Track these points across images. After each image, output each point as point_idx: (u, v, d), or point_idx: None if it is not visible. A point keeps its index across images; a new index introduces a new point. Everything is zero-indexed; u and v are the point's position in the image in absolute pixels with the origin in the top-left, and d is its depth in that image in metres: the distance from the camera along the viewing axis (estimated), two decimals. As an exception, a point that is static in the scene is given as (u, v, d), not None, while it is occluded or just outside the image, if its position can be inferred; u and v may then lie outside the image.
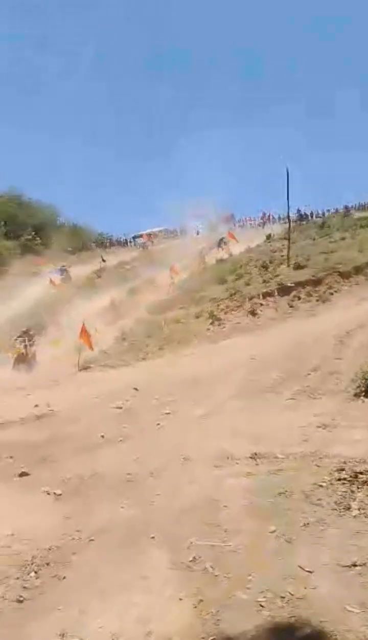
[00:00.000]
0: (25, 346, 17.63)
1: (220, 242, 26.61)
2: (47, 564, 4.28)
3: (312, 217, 32.07)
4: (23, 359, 17.30)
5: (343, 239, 18.77)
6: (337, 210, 31.98)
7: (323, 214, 29.57)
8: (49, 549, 4.50)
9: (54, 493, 5.80)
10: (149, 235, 40.42)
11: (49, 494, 5.80)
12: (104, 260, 31.73)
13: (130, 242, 43.16)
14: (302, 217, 30.95)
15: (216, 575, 3.79)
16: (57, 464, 6.78)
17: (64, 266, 30.58)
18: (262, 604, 3.35)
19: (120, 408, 9.33)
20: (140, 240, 40.66)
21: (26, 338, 18.08)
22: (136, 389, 10.41)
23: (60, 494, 5.78)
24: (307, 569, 3.64)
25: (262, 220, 36.36)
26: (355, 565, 3.60)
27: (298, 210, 31.25)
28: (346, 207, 30.66)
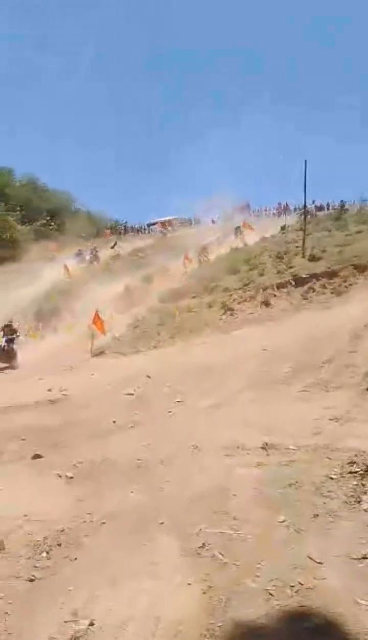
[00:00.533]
0: (8, 340, 16.23)
1: (236, 231, 26.45)
2: (59, 545, 4.35)
3: (328, 208, 31.71)
4: (3, 356, 16.08)
5: (359, 232, 18.51)
6: (353, 203, 31.58)
7: (342, 207, 29.16)
8: (61, 531, 4.56)
9: (66, 476, 5.88)
10: (164, 223, 40.27)
11: (61, 476, 5.88)
12: (114, 247, 31.75)
13: (145, 229, 43.10)
14: (318, 208, 30.60)
15: (225, 563, 3.81)
16: (70, 448, 6.86)
17: (95, 247, 31.01)
18: (271, 592, 3.38)
19: (132, 395, 9.39)
20: (155, 228, 40.58)
21: (8, 332, 16.65)
22: (148, 376, 10.46)
23: (72, 477, 5.86)
24: (317, 560, 3.65)
25: (277, 211, 36.05)
26: (365, 558, 3.60)
27: (313, 202, 30.91)
28: (363, 201, 30.24)
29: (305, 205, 22.08)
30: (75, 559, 4.16)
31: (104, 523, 4.68)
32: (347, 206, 28.26)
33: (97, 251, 30.51)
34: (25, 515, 4.83)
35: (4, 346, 16.08)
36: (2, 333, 16.50)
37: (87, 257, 30.15)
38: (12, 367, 15.63)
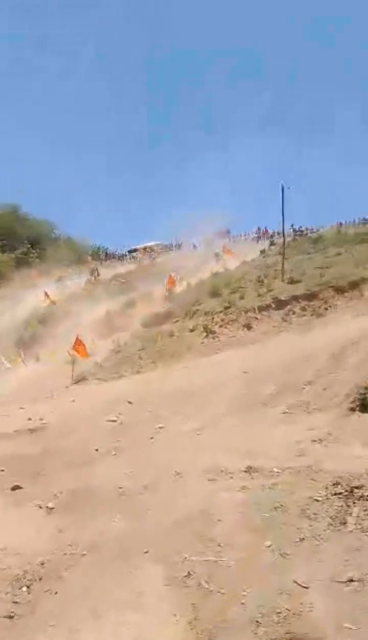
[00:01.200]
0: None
1: (217, 256, 26.74)
2: (39, 579, 4.21)
3: (306, 232, 32.33)
4: None
5: (338, 254, 18.87)
6: (331, 227, 32.31)
7: (317, 230, 29.81)
8: (41, 564, 4.43)
9: (47, 507, 5.73)
10: (145, 249, 40.54)
11: (41, 507, 5.73)
12: (97, 274, 32.08)
13: (126, 255, 43.27)
14: (296, 232, 31.17)
15: (211, 591, 3.73)
16: (50, 478, 6.70)
17: (96, 269, 32.37)
18: (258, 620, 3.31)
19: (114, 421, 9.26)
20: (136, 254, 40.79)
21: None
22: (130, 402, 10.34)
23: (52, 508, 5.71)
24: (303, 585, 3.60)
25: (256, 235, 36.60)
26: (351, 581, 3.56)
27: (292, 226, 31.51)
28: (340, 224, 30.94)
29: (283, 230, 22.48)
30: (56, 593, 4.03)
31: (85, 554, 4.56)
32: (321, 230, 28.89)
33: (98, 271, 31.79)
34: (4, 549, 4.69)
35: None
36: None
37: (90, 277, 31.61)
38: None
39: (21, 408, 11.72)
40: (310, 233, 29.99)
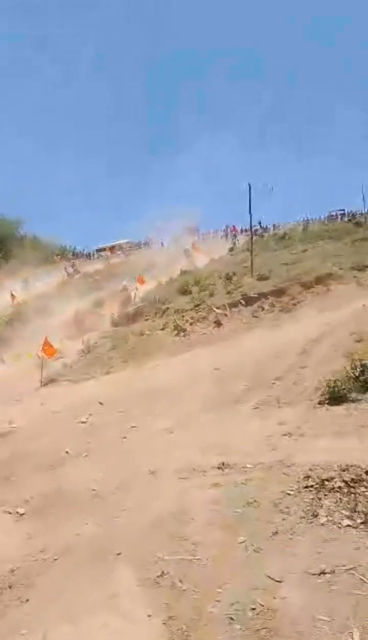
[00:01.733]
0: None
1: (186, 253, 26.70)
2: (9, 587, 4.12)
3: (272, 229, 32.70)
4: None
5: (304, 250, 19.13)
6: (297, 223, 32.79)
7: (264, 228, 30.27)
8: (11, 571, 4.32)
9: (17, 512, 5.61)
10: (112, 247, 40.19)
11: (10, 513, 5.60)
12: (75, 271, 31.95)
13: (94, 254, 42.79)
14: (262, 229, 31.49)
15: (184, 590, 3.71)
16: (20, 482, 6.56)
17: (73, 262, 32.36)
18: (232, 617, 3.30)
19: (85, 422, 9.14)
20: (104, 254, 40.40)
21: None
22: (101, 403, 10.23)
23: (23, 514, 5.59)
24: (277, 579, 3.62)
25: (224, 233, 36.77)
26: (323, 573, 3.60)
27: (259, 223, 31.81)
28: (306, 220, 31.42)
29: (251, 227, 22.63)
30: (27, 600, 3.94)
31: (56, 559, 4.47)
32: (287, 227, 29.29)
33: (75, 266, 31.79)
34: (-28, 558, 4.55)
35: None
36: None
37: (70, 270, 31.59)
38: None
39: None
40: (274, 229, 30.40)
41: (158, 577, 3.92)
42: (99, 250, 42.83)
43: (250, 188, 20.16)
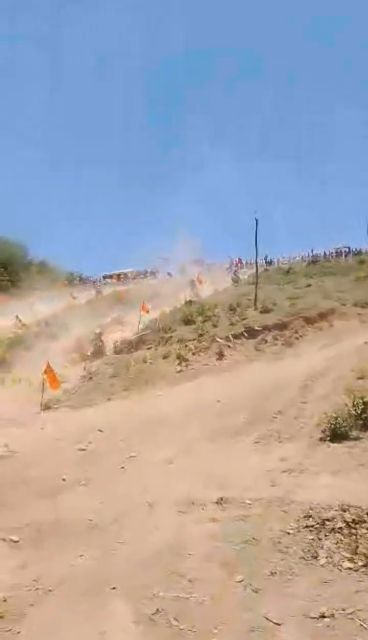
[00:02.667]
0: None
1: (191, 284, 26.92)
2: (1, 617, 4.02)
3: (277, 263, 33.07)
4: None
5: (308, 285, 19.31)
6: (302, 258, 33.20)
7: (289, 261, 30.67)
8: (4, 600, 4.23)
9: (11, 540, 5.52)
10: (119, 275, 40.65)
11: (5, 540, 5.51)
12: (98, 292, 32.33)
13: (101, 281, 43.23)
14: (268, 263, 31.87)
15: (181, 629, 3.63)
16: (15, 509, 6.47)
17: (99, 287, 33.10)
18: (229, 659, 3.23)
19: (84, 450, 9.06)
20: (110, 281, 40.83)
21: None
22: (101, 430, 10.17)
23: (17, 541, 5.50)
24: (275, 621, 3.54)
25: (229, 265, 37.18)
26: (323, 617, 3.53)
27: (265, 257, 32.21)
28: (314, 256, 31.86)
29: (256, 260, 22.91)
30: (19, 632, 3.85)
31: (51, 590, 4.39)
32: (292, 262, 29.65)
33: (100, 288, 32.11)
34: (-36, 585, 4.46)
35: None
36: None
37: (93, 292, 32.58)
38: None
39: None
40: (278, 264, 30.76)
41: (153, 614, 3.84)
42: (105, 277, 43.30)
43: (256, 223, 20.50)
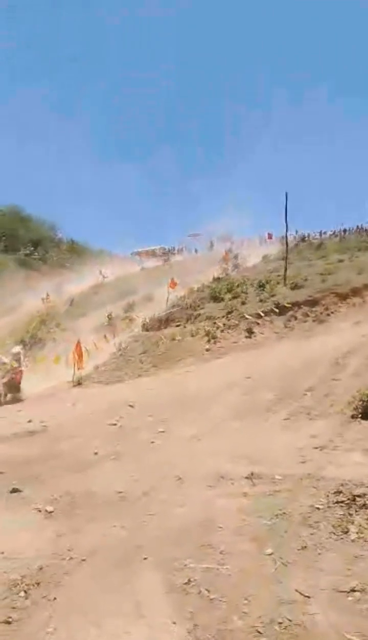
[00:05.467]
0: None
1: (219, 262, 26.77)
2: (37, 584, 4.16)
3: (308, 238, 32.36)
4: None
5: (340, 261, 18.89)
6: (334, 233, 32.36)
7: (321, 234, 29.97)
8: (40, 569, 4.37)
9: (46, 510, 5.68)
10: (147, 252, 40.64)
11: (40, 511, 5.67)
12: (104, 276, 32.07)
13: (129, 258, 43.34)
14: (302, 239, 31.26)
15: (211, 599, 3.68)
16: (49, 481, 6.65)
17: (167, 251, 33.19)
18: (259, 630, 3.25)
19: (115, 425, 9.22)
20: (138, 257, 40.89)
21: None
22: (131, 406, 10.31)
23: (51, 512, 5.66)
24: (305, 594, 3.55)
25: (259, 240, 36.63)
26: (354, 591, 3.51)
27: (296, 232, 31.60)
28: (344, 230, 31.01)
29: (286, 235, 22.48)
30: (55, 598, 3.97)
31: (84, 560, 4.50)
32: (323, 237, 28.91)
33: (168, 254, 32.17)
34: (1, 553, 4.63)
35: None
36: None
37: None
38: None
39: (19, 410, 11.70)
40: (313, 239, 30.07)
41: (184, 584, 3.90)
42: (133, 254, 43.41)
43: (286, 197, 20.07)
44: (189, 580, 3.94)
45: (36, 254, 40.50)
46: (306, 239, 31.04)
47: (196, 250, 35.26)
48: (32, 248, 40.87)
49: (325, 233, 32.36)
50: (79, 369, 15.37)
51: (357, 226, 32.67)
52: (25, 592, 4.05)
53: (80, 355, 15.80)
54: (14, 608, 3.85)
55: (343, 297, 15.43)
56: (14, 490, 6.34)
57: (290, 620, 3.30)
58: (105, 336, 19.43)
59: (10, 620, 3.70)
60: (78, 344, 16.16)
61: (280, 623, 3.29)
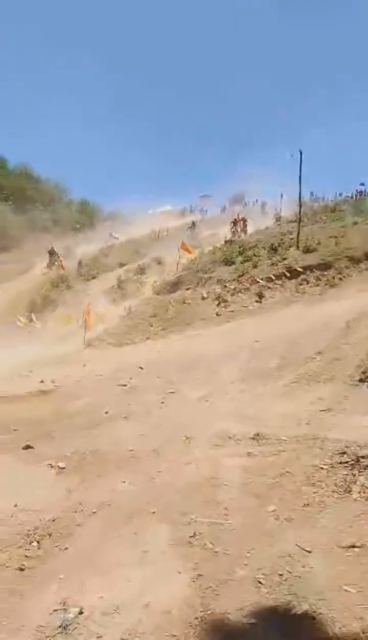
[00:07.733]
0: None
1: (233, 224, 26.35)
2: (49, 535, 4.36)
3: (322, 200, 31.64)
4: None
5: (355, 223, 18.48)
6: (351, 195, 31.56)
7: (336, 196, 29.26)
8: (52, 520, 4.57)
9: (58, 466, 5.88)
10: (163, 212, 40.10)
11: (52, 467, 5.88)
12: (115, 237, 31.79)
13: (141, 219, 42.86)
14: (314, 200, 30.56)
15: (215, 552, 3.84)
16: (61, 439, 6.86)
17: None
18: (261, 580, 3.40)
19: (125, 386, 9.39)
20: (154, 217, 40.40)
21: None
22: (141, 367, 10.46)
23: (63, 468, 5.86)
24: (306, 549, 3.68)
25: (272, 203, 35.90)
26: (353, 547, 3.63)
27: (312, 194, 30.90)
28: (360, 192, 30.17)
29: (300, 196, 21.97)
30: (66, 548, 4.17)
31: (94, 512, 4.69)
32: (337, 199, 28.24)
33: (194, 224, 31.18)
34: (16, 505, 4.83)
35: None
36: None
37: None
38: None
39: (31, 370, 11.92)
40: (324, 201, 29.41)
41: (190, 537, 4.06)
42: (151, 213, 42.69)
43: (301, 155, 19.50)
44: (195, 534, 4.10)
45: (46, 215, 40.18)
46: (320, 200, 30.31)
47: (206, 211, 34.72)
48: (42, 209, 40.52)
49: (341, 195, 31.54)
50: (89, 331, 15.54)
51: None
52: (38, 542, 4.26)
53: (90, 319, 15.95)
54: (27, 557, 4.05)
55: (356, 261, 15.18)
56: (27, 447, 6.55)
57: (289, 572, 3.43)
58: (115, 299, 19.50)
59: (23, 567, 3.91)
60: (88, 306, 16.27)
61: (281, 575, 3.43)
